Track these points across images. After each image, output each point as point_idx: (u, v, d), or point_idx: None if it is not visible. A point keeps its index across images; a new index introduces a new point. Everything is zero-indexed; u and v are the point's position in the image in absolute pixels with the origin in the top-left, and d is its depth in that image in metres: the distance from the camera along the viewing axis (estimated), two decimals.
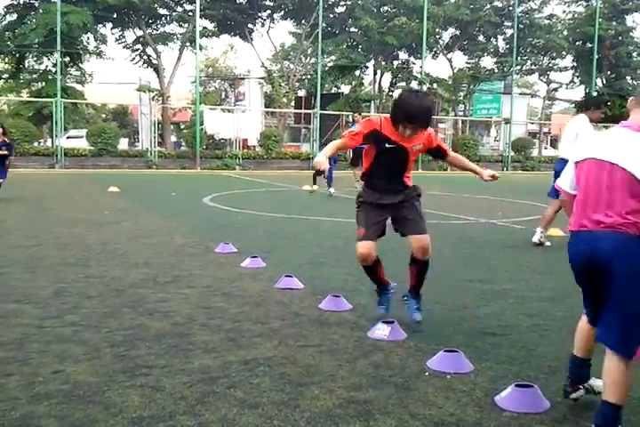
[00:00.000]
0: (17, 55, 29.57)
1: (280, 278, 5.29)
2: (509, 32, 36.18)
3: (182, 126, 43.95)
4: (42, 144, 31.10)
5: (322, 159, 3.79)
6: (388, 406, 2.88)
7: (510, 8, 34.95)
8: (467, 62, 39.08)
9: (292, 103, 36.99)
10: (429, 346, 3.71)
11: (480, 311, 4.55)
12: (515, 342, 3.85)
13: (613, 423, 2.58)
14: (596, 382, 2.96)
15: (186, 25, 31.48)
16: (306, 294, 4.99)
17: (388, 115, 3.98)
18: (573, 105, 41.03)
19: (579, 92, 38.96)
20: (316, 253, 6.90)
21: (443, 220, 10.19)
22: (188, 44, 31.47)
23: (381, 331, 3.89)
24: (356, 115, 15.60)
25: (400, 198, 4.11)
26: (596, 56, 33.63)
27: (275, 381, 3.14)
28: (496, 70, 38.25)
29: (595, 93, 35.07)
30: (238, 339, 3.80)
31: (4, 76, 32.90)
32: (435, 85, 35.68)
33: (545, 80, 41.32)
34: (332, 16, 34.50)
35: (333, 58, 35.86)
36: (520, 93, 42.10)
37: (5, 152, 11.51)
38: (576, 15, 38.30)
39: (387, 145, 3.94)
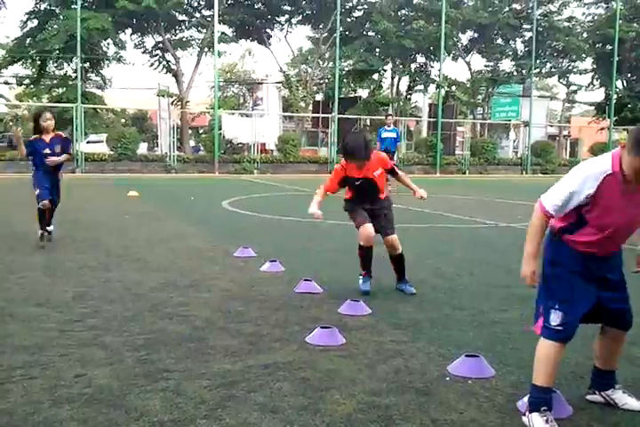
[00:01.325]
0: (39, 61, 29.95)
1: (299, 283, 5.29)
2: (528, 35, 35.96)
3: (201, 131, 44.29)
4: None
5: (313, 210, 4.98)
6: (409, 411, 2.86)
7: (529, 11, 34.75)
8: (485, 65, 38.93)
9: (310, 107, 37.06)
10: (450, 351, 3.69)
11: (501, 316, 4.52)
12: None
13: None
14: (615, 394, 2.95)
15: (204, 30, 31.69)
16: (325, 298, 4.98)
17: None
18: (593, 107, 40.67)
19: (599, 95, 38.63)
20: (335, 257, 6.89)
21: (462, 224, 10.14)
22: (206, 49, 31.67)
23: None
24: (389, 118, 17.01)
25: (378, 206, 5.20)
26: (616, 58, 33.29)
27: (295, 385, 3.13)
28: (515, 73, 38.03)
29: (615, 96, 34.76)
30: (258, 343, 3.81)
31: (26, 81, 33.41)
32: (453, 88, 35.57)
33: (564, 83, 41.00)
34: (349, 20, 34.55)
35: (351, 62, 35.88)
36: (539, 96, 41.83)
37: (61, 158, 7.19)
38: (596, 17, 37.98)
39: (356, 183, 5.08)
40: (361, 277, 5.24)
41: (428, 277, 5.88)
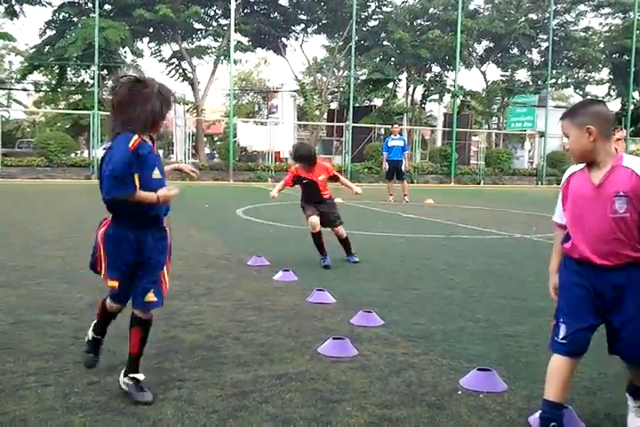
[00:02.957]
0: (57, 69, 30.27)
1: (312, 292, 5.30)
2: (544, 45, 35.89)
3: (216, 138, 44.52)
4: (78, 155, 31.68)
5: (274, 193, 7.06)
6: (421, 424, 2.86)
7: (545, 21, 34.70)
8: (501, 75, 38.85)
9: (325, 116, 37.15)
10: (462, 364, 3.68)
11: (514, 329, 4.50)
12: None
13: None
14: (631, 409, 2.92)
15: (221, 39, 31.92)
16: (337, 308, 4.99)
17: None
18: None
19: (615, 106, 38.35)
20: (348, 267, 6.90)
21: (476, 234, 10.11)
22: (222, 57, 31.88)
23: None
24: (395, 126, 17.24)
25: (324, 204, 7.03)
26: (633, 69, 33.12)
27: (307, 396, 3.14)
28: (530, 83, 37.94)
29: (632, 107, 34.56)
30: (270, 353, 3.82)
31: (44, 88, 33.78)
32: (468, 98, 35.55)
33: (581, 93, 40.83)
34: (364, 30, 34.66)
35: (366, 71, 35.97)
36: (555, 106, 41.60)
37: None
38: (613, 27, 37.85)
39: (304, 181, 6.98)
40: (321, 257, 6.90)
41: (441, 288, 5.87)
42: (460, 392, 3.25)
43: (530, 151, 37.97)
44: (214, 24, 32.63)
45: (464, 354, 3.89)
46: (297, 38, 36.21)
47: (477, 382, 3.30)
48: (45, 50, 30.00)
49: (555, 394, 2.73)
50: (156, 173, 3.17)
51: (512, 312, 5.01)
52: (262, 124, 32.12)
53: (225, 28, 31.15)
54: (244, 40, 33.30)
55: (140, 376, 3.14)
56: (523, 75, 39.42)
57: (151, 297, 3.16)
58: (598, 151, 2.67)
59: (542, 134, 32.97)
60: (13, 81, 39.68)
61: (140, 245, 3.15)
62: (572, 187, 2.79)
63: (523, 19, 35.65)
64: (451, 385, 3.35)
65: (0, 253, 7.15)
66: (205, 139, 37.66)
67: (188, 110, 31.66)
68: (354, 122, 29.96)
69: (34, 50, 31.21)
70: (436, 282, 6.16)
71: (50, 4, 30.27)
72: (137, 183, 3.01)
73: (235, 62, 30.27)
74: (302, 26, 35.44)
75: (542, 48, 36.74)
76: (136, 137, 3.03)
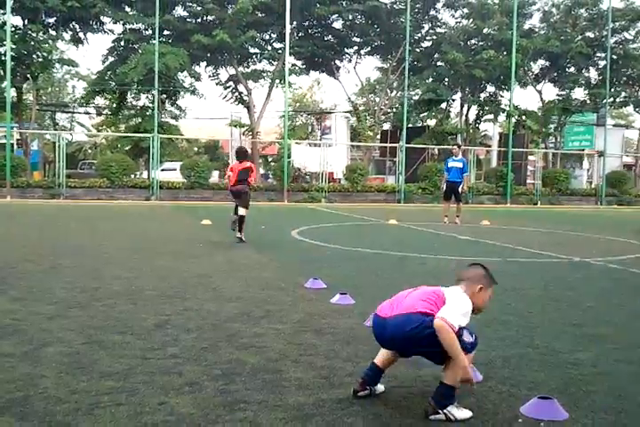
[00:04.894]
0: (118, 93, 31.43)
1: (370, 316, 5.35)
2: (602, 63, 35.35)
3: (270, 159, 45.18)
4: (138, 176, 32.62)
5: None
6: None
7: (603, 39, 34.19)
8: (557, 94, 38.36)
9: (378, 136, 37.29)
10: (522, 391, 3.68)
11: (575, 356, 4.46)
12: (612, 390, 3.75)
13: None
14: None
15: (275, 62, 32.56)
16: None
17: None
18: None
19: None
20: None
21: (533, 258, 9.99)
22: (277, 80, 32.49)
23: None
24: (455, 148, 17.36)
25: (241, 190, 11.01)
26: None
27: (368, 421, 3.20)
28: (588, 102, 37.32)
29: None
30: (330, 377, 3.89)
31: (105, 111, 35.05)
32: (524, 117, 35.20)
33: None
34: (418, 51, 34.84)
35: (419, 91, 36.06)
36: (614, 125, 40.84)
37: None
38: None
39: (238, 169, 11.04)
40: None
41: (499, 313, 5.84)
42: (520, 420, 3.26)
43: (588, 171, 37.24)
44: (269, 48, 33.36)
45: (524, 381, 3.88)
46: (350, 60, 36.66)
47: (538, 410, 3.30)
48: (107, 75, 31.19)
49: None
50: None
51: (572, 339, 4.96)
52: (316, 145, 32.49)
53: (280, 51, 31.79)
54: (299, 63, 33.89)
55: None
56: (580, 93, 38.87)
57: None
58: None
59: (601, 154, 32.34)
60: (77, 105, 41.27)
61: None
62: None
63: (579, 37, 35.25)
64: (511, 413, 3.36)
65: (67, 274, 7.45)
66: (260, 160, 38.27)
67: (243, 133, 32.28)
68: (407, 142, 29.99)
69: (96, 75, 32.48)
70: (493, 307, 6.11)
71: (112, 31, 31.55)
72: None
73: (289, 85, 30.79)
74: (355, 48, 35.86)
75: (600, 66, 36.20)
76: None
